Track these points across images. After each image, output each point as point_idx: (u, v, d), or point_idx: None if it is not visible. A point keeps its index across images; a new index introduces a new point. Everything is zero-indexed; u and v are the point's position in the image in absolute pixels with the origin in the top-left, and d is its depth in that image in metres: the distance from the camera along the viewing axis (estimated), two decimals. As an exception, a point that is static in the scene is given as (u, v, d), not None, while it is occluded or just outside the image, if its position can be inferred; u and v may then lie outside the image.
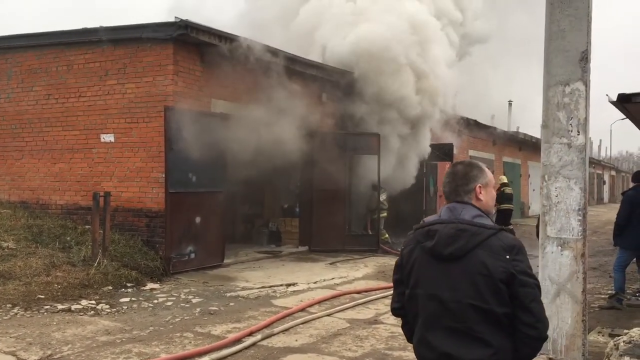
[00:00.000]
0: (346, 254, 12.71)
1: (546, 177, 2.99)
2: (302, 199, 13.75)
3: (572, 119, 3.12)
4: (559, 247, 2.90)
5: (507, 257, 2.28)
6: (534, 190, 30.23)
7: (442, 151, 16.29)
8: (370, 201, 14.17)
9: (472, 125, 20.51)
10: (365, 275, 10.61)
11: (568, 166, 2.89)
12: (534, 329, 2.28)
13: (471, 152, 22.21)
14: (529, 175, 29.98)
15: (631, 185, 8.68)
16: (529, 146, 28.20)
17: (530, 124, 32.80)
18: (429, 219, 2.54)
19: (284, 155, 11.14)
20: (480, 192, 2.45)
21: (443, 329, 2.34)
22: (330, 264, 11.60)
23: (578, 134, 3.08)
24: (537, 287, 2.33)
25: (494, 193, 2.52)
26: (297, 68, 11.45)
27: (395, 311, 2.66)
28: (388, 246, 13.93)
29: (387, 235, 14.33)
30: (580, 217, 3.16)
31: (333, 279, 9.97)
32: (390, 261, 12.35)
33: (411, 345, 6.03)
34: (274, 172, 12.18)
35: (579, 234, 3.19)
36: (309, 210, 13.28)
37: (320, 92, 12.97)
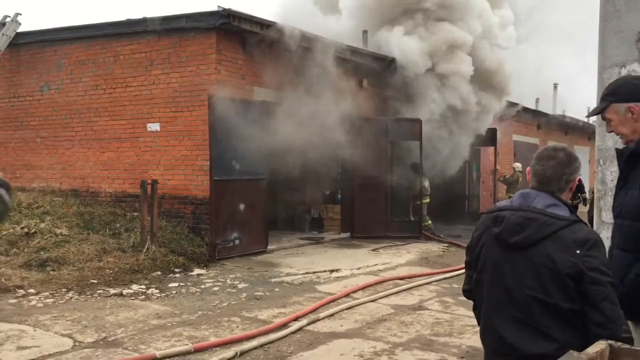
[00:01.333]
0: (388, 240, 12.69)
1: (601, 161, 2.92)
2: (344, 186, 13.78)
3: (629, 101, 3.03)
4: (615, 233, 2.85)
5: (578, 251, 2.18)
6: (580, 175, 29.42)
7: (485, 136, 16.03)
8: (412, 187, 14.10)
9: (516, 109, 20.07)
10: (408, 261, 10.59)
11: (624, 150, 2.83)
12: (605, 329, 2.18)
13: (515, 137, 21.76)
14: (576, 160, 29.20)
15: None
16: (575, 130, 27.44)
17: (577, 108, 31.87)
18: (500, 203, 2.48)
19: (326, 141, 11.17)
20: (575, 184, 2.40)
21: (507, 317, 2.29)
22: (373, 250, 11.61)
23: (635, 117, 3.00)
24: (612, 284, 2.21)
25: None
26: (337, 54, 11.41)
27: (465, 293, 2.64)
28: (430, 232, 13.85)
29: (429, 222, 14.23)
30: (636, 202, 3.07)
31: (376, 265, 9.98)
32: (433, 247, 12.30)
33: (457, 331, 6.03)
34: (315, 158, 12.22)
35: (635, 219, 3.10)
36: (351, 197, 13.31)
37: (361, 78, 12.92)
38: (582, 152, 28.15)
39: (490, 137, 16.18)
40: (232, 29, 9.89)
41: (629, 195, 2.58)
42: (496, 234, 2.31)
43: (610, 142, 2.89)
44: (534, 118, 22.91)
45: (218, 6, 9.42)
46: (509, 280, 2.28)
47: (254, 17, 9.99)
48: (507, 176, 17.01)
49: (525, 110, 21.41)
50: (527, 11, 17.81)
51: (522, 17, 17.42)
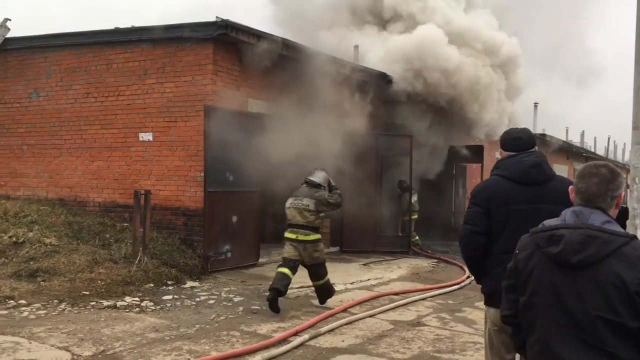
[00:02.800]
0: (378, 255, 12.66)
1: (637, 179, 2.94)
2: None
3: (664, 120, 3.09)
4: (651, 251, 2.85)
5: None
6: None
7: (472, 153, 16.17)
8: (401, 202, 14.12)
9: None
10: (400, 276, 10.57)
11: (659, 168, 2.85)
12: None
13: (497, 155, 22.01)
14: (555, 178, 29.55)
15: None
16: (555, 148, 27.86)
17: (557, 127, 32.39)
18: (550, 222, 2.38)
19: (317, 154, 11.11)
20: (621, 200, 2.37)
21: (569, 340, 2.21)
22: (364, 264, 11.58)
23: (670, 136, 3.05)
24: None
25: None
26: (333, 68, 11.40)
27: (506, 319, 2.53)
28: (418, 248, 13.88)
29: (417, 238, 14.26)
30: (672, 220, 3.12)
31: (369, 279, 9.95)
32: (423, 263, 12.30)
33: (459, 348, 5.98)
34: (306, 171, 12.14)
35: (671, 237, 3.13)
36: (340, 211, 13.23)
37: (355, 92, 12.93)
38: (560, 171, 28.56)
39: (477, 154, 16.31)
40: (229, 40, 9.84)
41: None
42: (555, 254, 2.24)
43: (645, 160, 2.91)
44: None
45: (216, 17, 9.37)
46: (570, 301, 2.21)
47: (251, 28, 9.95)
48: (491, 193, 17.15)
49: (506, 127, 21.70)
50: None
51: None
